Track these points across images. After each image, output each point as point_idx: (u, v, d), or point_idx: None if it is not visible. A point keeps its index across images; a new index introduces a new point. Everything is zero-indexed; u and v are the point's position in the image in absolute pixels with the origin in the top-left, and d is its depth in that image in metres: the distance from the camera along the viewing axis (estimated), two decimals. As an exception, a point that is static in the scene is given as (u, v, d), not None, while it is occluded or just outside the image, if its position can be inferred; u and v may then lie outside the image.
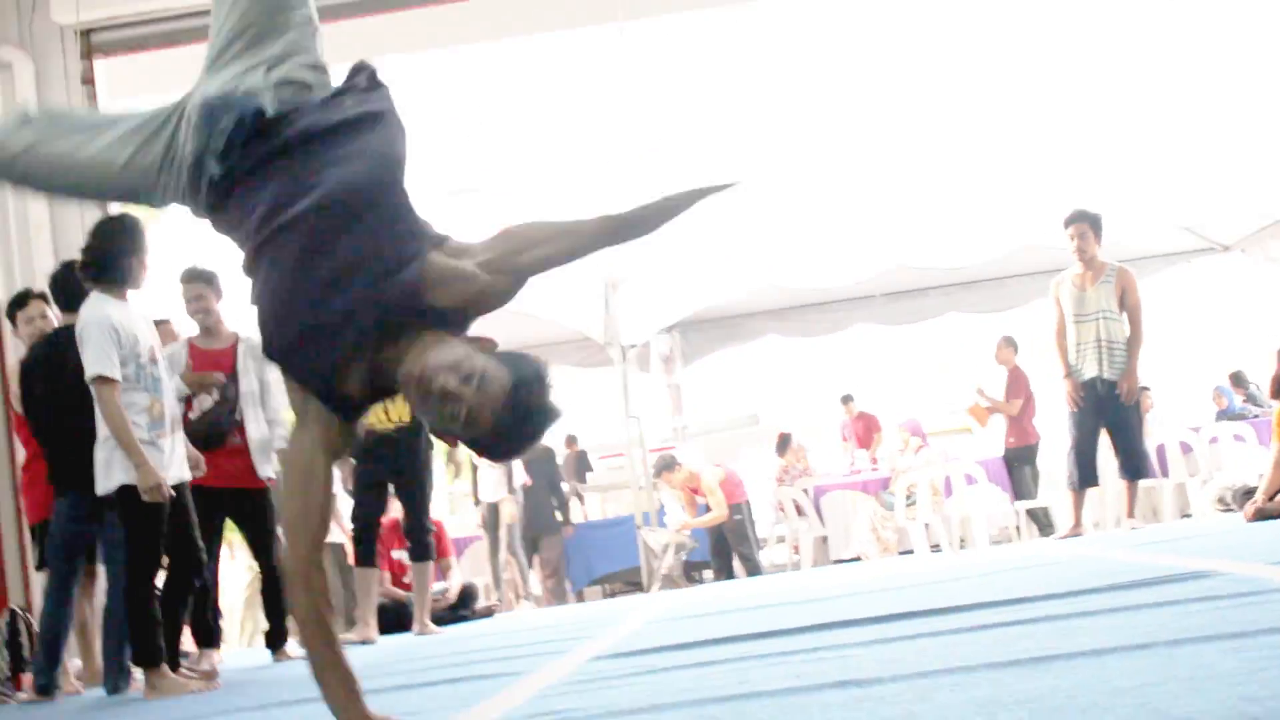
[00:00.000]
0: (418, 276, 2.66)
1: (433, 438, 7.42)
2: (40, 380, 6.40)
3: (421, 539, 7.97)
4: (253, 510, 7.06)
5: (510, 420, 2.61)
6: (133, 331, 5.72)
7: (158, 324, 6.63)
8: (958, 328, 15.24)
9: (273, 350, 2.76)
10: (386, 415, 7.68)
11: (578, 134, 12.81)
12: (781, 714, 2.56)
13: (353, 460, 8.17)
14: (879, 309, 14.14)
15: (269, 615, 7.33)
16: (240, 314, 7.04)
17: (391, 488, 8.03)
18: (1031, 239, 11.71)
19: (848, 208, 12.16)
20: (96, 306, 5.74)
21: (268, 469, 7.03)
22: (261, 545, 7.11)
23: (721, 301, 13.13)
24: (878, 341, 16.68)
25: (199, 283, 7.07)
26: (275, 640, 7.25)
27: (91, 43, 10.16)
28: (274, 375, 7.03)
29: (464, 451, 8.61)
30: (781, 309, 14.15)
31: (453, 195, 11.64)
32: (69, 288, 6.34)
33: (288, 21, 2.87)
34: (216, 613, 7.11)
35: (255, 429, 7.00)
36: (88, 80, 10.17)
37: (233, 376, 6.97)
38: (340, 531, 8.70)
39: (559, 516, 12.28)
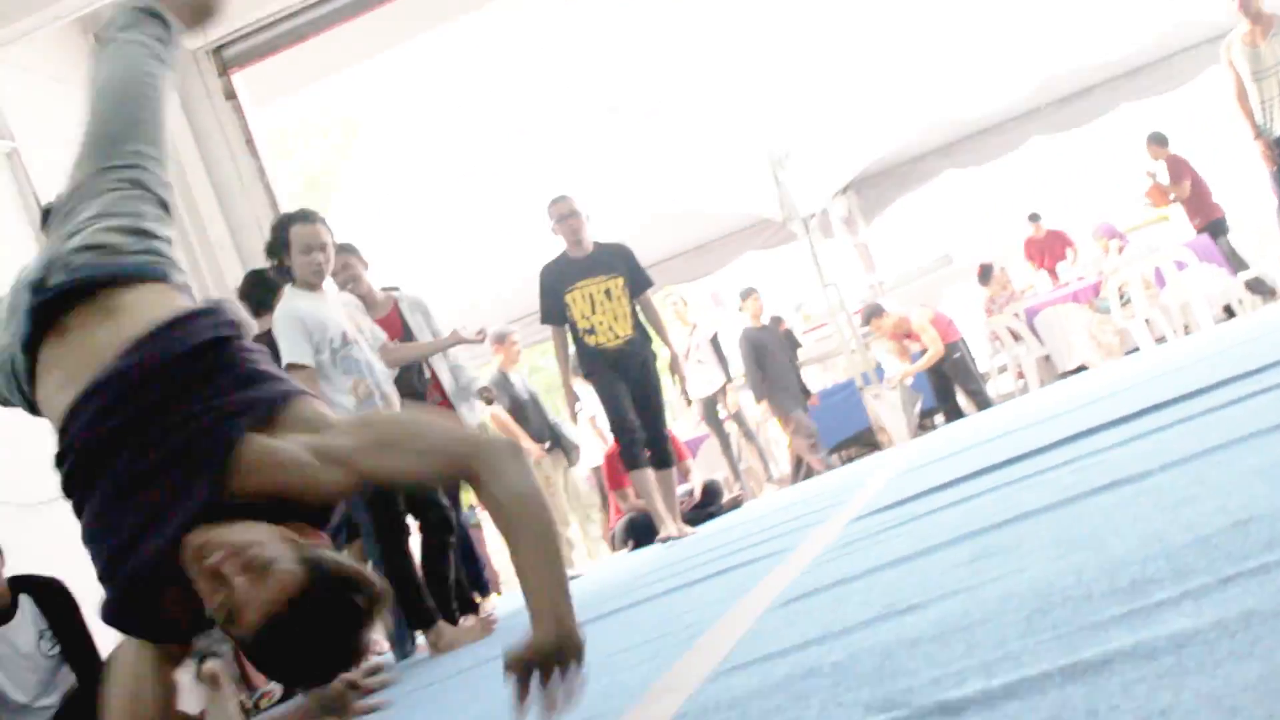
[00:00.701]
0: (216, 482, 2.24)
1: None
2: None
3: (662, 446, 8.12)
4: None
5: (278, 632, 2.11)
6: (320, 319, 5.90)
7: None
8: (1131, 119, 14.82)
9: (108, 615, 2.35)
10: (613, 332, 7.85)
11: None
12: (1061, 526, 2.56)
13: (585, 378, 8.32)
14: (1048, 118, 13.82)
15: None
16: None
17: None
18: (1188, 13, 11.30)
19: (994, 22, 11.87)
20: (285, 302, 6.00)
21: (471, 414, 7.12)
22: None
23: (890, 150, 12.97)
24: (1054, 153, 16.30)
25: (343, 253, 7.09)
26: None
27: (224, 58, 10.42)
28: (438, 319, 7.16)
29: (663, 360, 8.74)
30: (951, 143, 13.93)
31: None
32: (255, 294, 6.59)
33: (106, 184, 2.56)
34: (477, 562, 7.30)
35: (448, 379, 7.05)
36: (230, 95, 10.44)
37: (407, 335, 6.97)
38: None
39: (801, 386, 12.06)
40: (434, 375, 7.09)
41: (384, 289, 7.13)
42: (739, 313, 12.09)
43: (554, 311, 8.15)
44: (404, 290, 7.15)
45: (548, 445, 10.55)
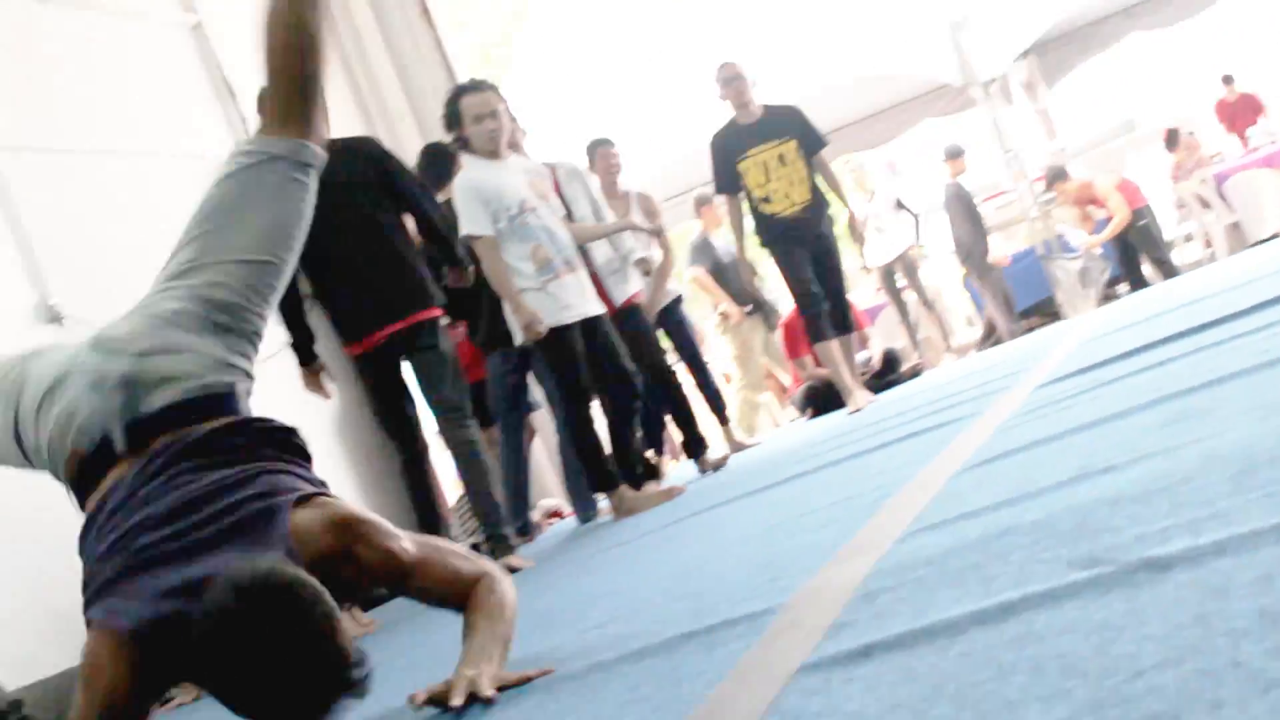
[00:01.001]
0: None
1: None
2: None
3: (844, 311, 8.07)
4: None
5: (212, 639, 1.95)
6: (498, 187, 5.96)
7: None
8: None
9: None
10: (789, 199, 7.78)
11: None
12: (1261, 390, 2.51)
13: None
14: (1243, -27, 13.28)
15: (680, 426, 7.56)
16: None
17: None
18: None
19: None
20: (463, 173, 6.08)
21: (623, 288, 7.13)
22: (645, 359, 7.04)
23: (1072, 13, 12.57)
24: (1246, 12, 15.66)
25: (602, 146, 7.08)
26: (694, 449, 7.51)
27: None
28: (596, 188, 7.12)
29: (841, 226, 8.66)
30: (1136, 4, 13.45)
31: None
32: (434, 167, 6.66)
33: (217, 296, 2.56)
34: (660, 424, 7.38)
35: (602, 250, 7.01)
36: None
37: (564, 206, 6.80)
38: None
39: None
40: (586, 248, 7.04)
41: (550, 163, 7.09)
42: (943, 167, 11.79)
43: (728, 181, 8.02)
44: (562, 160, 7.10)
45: (749, 309, 10.62)
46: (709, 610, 2.21)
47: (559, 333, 5.93)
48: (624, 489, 6.09)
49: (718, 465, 7.25)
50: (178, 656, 2.05)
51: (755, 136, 7.90)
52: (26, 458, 2.50)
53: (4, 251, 7.01)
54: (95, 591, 2.19)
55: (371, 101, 10.44)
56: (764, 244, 8.00)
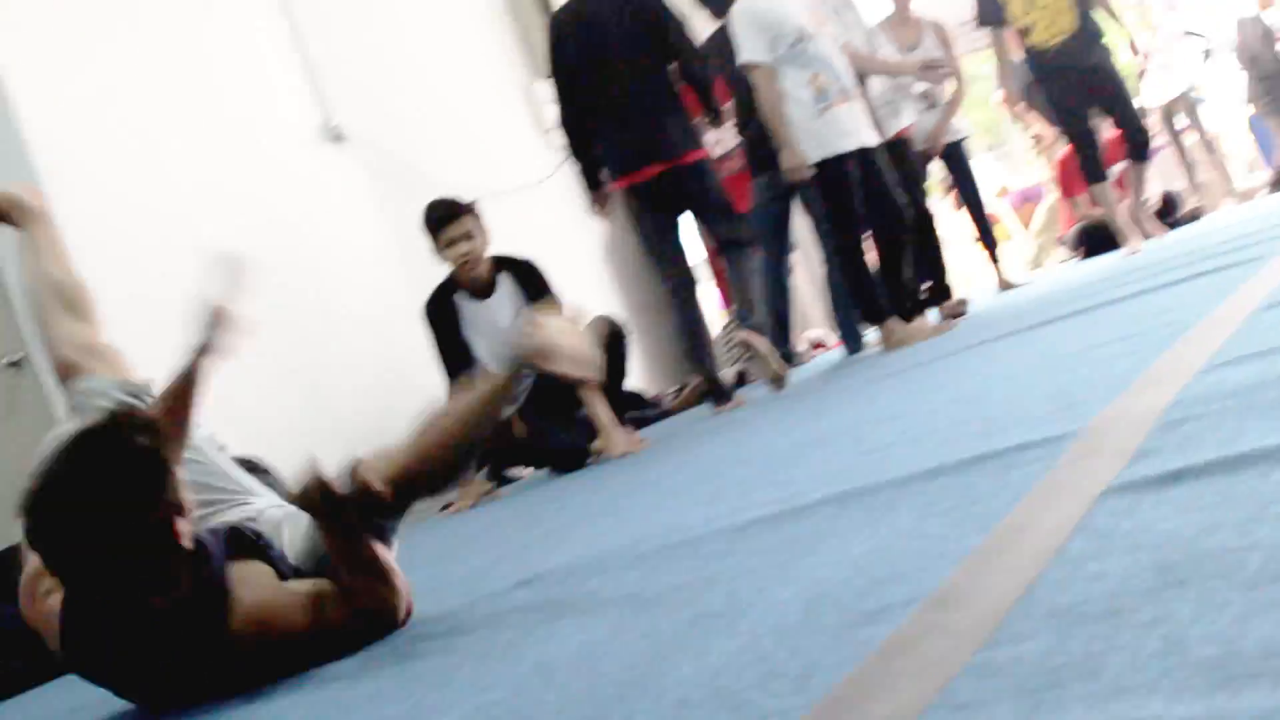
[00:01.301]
0: None
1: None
2: None
3: (1138, 136, 7.71)
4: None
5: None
6: (778, 15, 5.92)
7: None
8: None
9: None
10: (1055, 27, 7.44)
11: None
12: None
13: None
14: None
15: (928, 270, 7.37)
16: None
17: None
18: None
19: None
20: (741, 1, 6.04)
21: (894, 121, 6.99)
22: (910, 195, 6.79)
23: None
24: None
25: None
26: (937, 295, 7.38)
27: None
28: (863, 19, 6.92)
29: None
30: None
31: None
32: None
33: None
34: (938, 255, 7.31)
35: (873, 83, 6.85)
36: None
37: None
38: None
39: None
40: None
41: None
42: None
43: (989, 10, 7.70)
44: None
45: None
46: (1000, 434, 2.21)
47: (834, 161, 5.89)
48: (894, 321, 6.06)
49: (956, 313, 7.12)
50: None
51: None
52: None
53: (290, 73, 7.25)
54: None
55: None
56: (1035, 79, 7.72)
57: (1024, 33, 7.50)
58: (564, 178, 8.87)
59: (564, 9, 6.09)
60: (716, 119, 6.13)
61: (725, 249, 6.02)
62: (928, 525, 1.72)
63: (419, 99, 7.90)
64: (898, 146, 6.88)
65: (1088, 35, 7.47)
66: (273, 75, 7.06)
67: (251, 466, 2.85)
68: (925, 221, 7.17)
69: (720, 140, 7.80)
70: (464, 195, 5.68)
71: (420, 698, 1.67)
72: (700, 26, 6.77)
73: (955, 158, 8.02)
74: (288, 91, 7.14)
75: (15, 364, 5.75)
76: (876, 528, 1.80)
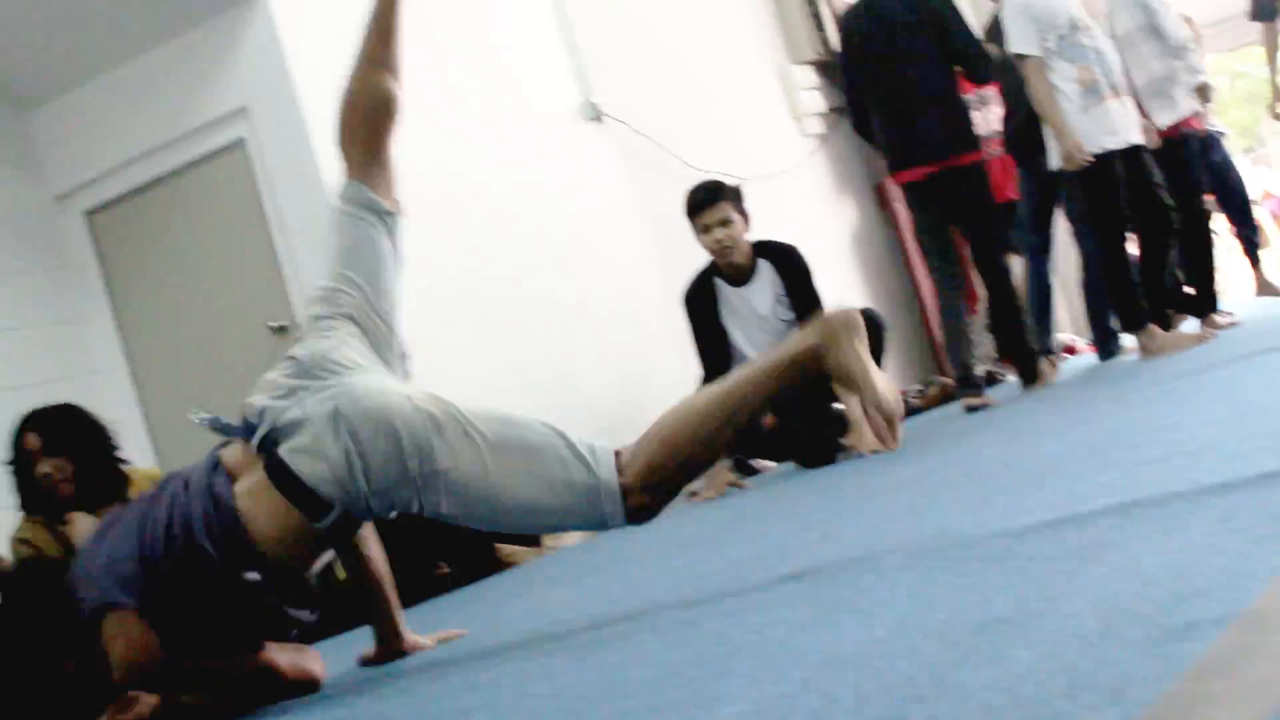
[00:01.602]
0: None
1: None
2: None
3: None
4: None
5: None
6: (1050, 5, 5.82)
7: None
8: None
9: None
10: None
11: None
12: None
13: None
14: None
15: (1197, 278, 7.08)
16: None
17: None
18: None
19: None
20: None
21: (1168, 113, 6.74)
22: (1183, 197, 6.61)
23: None
24: None
25: None
26: (1204, 306, 7.04)
27: None
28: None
29: None
30: None
31: None
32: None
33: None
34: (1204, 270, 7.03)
35: (1140, 71, 6.66)
36: None
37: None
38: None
39: None
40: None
41: None
42: None
43: (1266, 4, 7.37)
44: None
45: None
46: (1293, 452, 2.12)
47: (1100, 159, 5.75)
48: (1154, 328, 5.89)
49: (1219, 325, 6.81)
50: None
51: None
52: None
53: (555, 51, 7.36)
54: None
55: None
56: None
57: None
58: (815, 165, 8.84)
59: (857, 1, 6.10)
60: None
61: (981, 249, 5.99)
62: (1226, 541, 1.66)
63: (675, 80, 7.95)
64: (1172, 142, 6.67)
65: None
66: (538, 50, 7.19)
67: None
68: (1196, 225, 6.90)
69: (985, 121, 7.67)
70: (740, 180, 5.68)
71: (701, 686, 1.67)
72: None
73: (1214, 158, 7.71)
74: (551, 67, 7.26)
75: (281, 329, 5.97)
76: (1167, 541, 1.74)
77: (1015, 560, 1.90)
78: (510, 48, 7.00)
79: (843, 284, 8.42)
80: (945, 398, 7.41)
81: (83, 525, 4.40)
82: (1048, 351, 6.68)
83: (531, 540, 5.19)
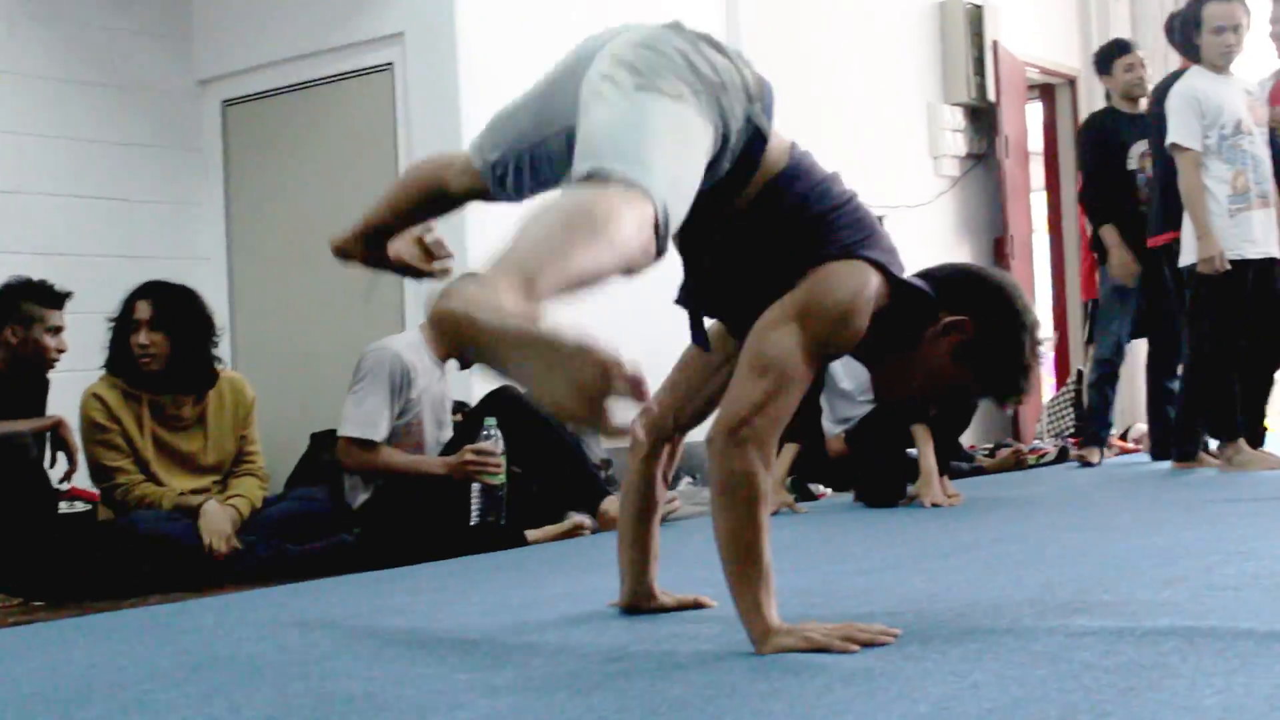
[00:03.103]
0: None
1: None
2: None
3: None
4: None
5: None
6: (1218, 102, 5.75)
7: None
8: None
9: None
10: None
11: None
12: None
13: None
14: None
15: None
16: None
17: None
18: None
19: None
20: (1185, 80, 5.95)
21: None
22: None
23: None
24: None
25: None
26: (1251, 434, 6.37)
27: None
28: None
29: None
30: None
31: None
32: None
33: None
34: None
35: None
36: None
37: None
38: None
39: None
40: None
41: None
42: None
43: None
44: None
45: None
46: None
47: (1234, 264, 5.66)
48: (1242, 441, 5.80)
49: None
50: None
51: None
52: None
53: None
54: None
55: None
56: None
57: None
58: (942, 206, 8.77)
59: None
60: None
61: None
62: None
63: (826, 94, 7.90)
64: None
65: None
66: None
67: None
68: None
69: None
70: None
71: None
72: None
73: None
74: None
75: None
76: (1230, 680, 1.71)
77: (1070, 664, 1.87)
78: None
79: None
80: (1016, 464, 7.34)
81: (213, 510, 4.46)
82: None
83: None
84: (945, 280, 2.32)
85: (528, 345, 1.51)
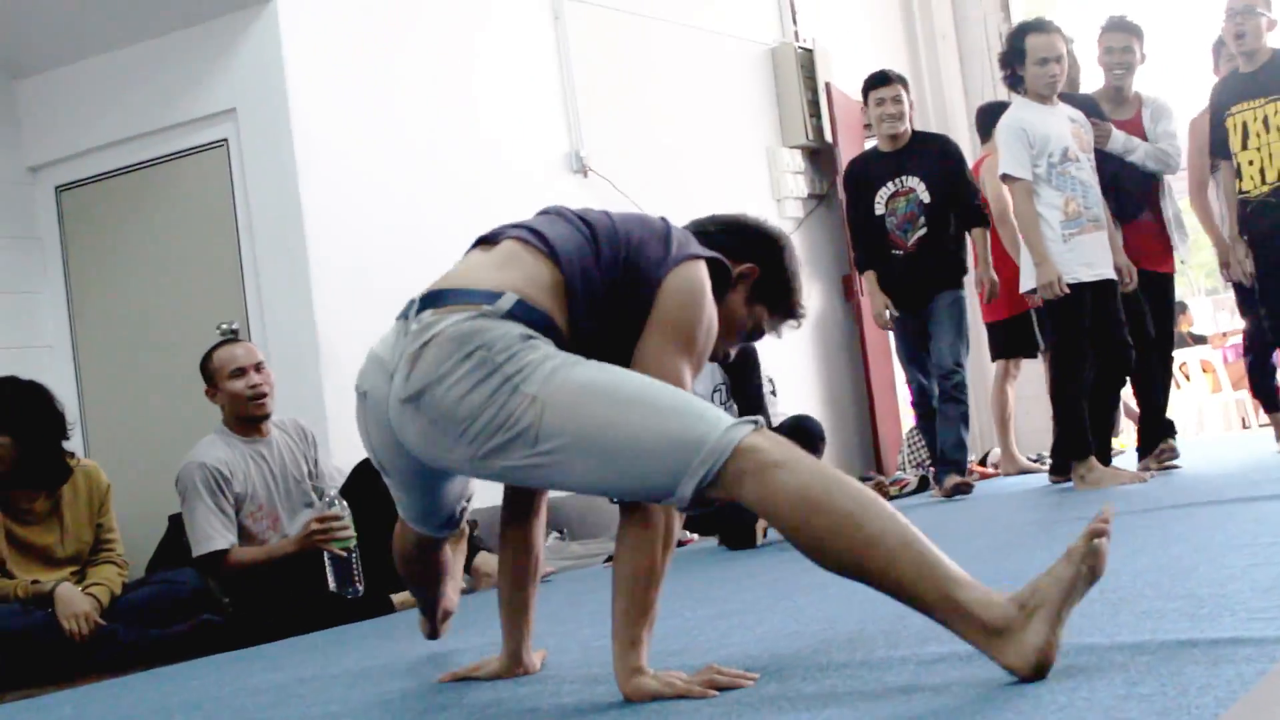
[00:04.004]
0: None
1: None
2: None
3: None
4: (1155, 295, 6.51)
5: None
6: (1044, 132, 5.90)
7: None
8: None
9: None
10: (1261, 176, 6.26)
11: None
12: None
13: None
14: None
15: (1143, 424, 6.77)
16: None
17: None
18: None
19: None
20: (1011, 112, 6.13)
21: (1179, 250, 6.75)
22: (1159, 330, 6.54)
23: None
24: None
25: (1125, 33, 6.59)
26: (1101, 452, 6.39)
27: None
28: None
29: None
30: None
31: None
32: (987, 121, 6.73)
33: None
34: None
35: (1170, 203, 6.63)
36: None
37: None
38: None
39: None
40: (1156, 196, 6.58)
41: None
42: None
43: (1216, 142, 6.45)
44: (1154, 96, 6.70)
45: None
46: (1209, 621, 2.14)
47: (1071, 289, 5.80)
48: (1093, 460, 5.94)
49: (1163, 464, 6.56)
50: None
51: (1252, 88, 6.27)
52: None
53: (550, 100, 7.39)
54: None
55: (919, 12, 10.43)
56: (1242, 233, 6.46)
57: (1239, 175, 6.35)
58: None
59: None
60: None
61: None
62: (1128, 708, 1.67)
63: (665, 143, 7.99)
64: (1165, 276, 6.67)
65: None
66: (531, 98, 7.21)
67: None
68: (1158, 360, 6.69)
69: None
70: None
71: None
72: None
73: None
74: (544, 117, 7.28)
75: (231, 332, 5.93)
76: (1072, 697, 1.75)
77: (922, 692, 1.90)
78: (506, 92, 7.03)
79: (798, 374, 8.46)
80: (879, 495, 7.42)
81: (67, 592, 4.37)
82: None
83: None
84: (722, 234, 2.60)
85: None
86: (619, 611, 2.15)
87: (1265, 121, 6.18)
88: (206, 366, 5.00)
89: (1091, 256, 5.88)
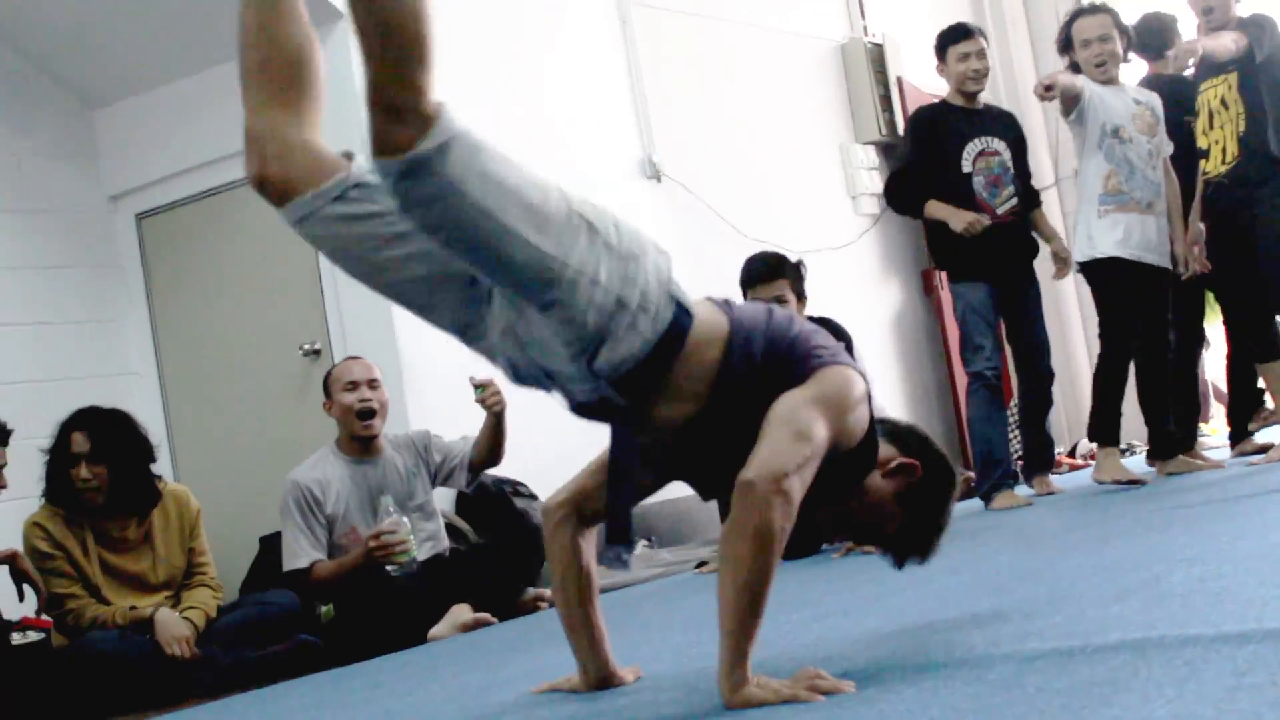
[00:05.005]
0: None
1: None
2: None
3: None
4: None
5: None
6: (1105, 103, 5.82)
7: None
8: None
9: None
10: (1219, 156, 6.17)
11: None
12: None
13: None
14: None
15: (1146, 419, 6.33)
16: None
17: None
18: None
19: None
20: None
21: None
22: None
23: None
24: None
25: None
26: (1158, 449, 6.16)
27: None
28: None
29: None
30: None
31: None
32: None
33: None
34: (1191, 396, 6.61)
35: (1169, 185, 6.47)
36: None
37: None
38: None
39: None
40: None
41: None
42: None
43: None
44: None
45: None
46: (1319, 608, 2.10)
47: (1106, 263, 5.71)
48: (1112, 449, 5.85)
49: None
50: None
51: (1214, 65, 6.05)
52: None
53: (621, 106, 7.39)
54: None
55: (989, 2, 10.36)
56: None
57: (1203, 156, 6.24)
58: (866, 245, 8.83)
59: None
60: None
61: None
62: (1238, 700, 1.63)
63: (737, 145, 7.96)
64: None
65: (1252, 168, 6.07)
66: (602, 105, 7.22)
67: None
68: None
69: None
70: (789, 253, 5.55)
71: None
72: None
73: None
74: (615, 122, 7.29)
75: (314, 352, 5.99)
76: (1181, 689, 1.71)
77: (1024, 690, 1.87)
78: (579, 98, 7.04)
79: (879, 366, 8.39)
80: (965, 494, 7.36)
81: (166, 616, 4.46)
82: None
83: None
84: (896, 427, 2.46)
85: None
86: (727, 624, 2.11)
87: (1223, 100, 6.05)
88: (326, 379, 5.09)
89: (1128, 235, 5.73)
